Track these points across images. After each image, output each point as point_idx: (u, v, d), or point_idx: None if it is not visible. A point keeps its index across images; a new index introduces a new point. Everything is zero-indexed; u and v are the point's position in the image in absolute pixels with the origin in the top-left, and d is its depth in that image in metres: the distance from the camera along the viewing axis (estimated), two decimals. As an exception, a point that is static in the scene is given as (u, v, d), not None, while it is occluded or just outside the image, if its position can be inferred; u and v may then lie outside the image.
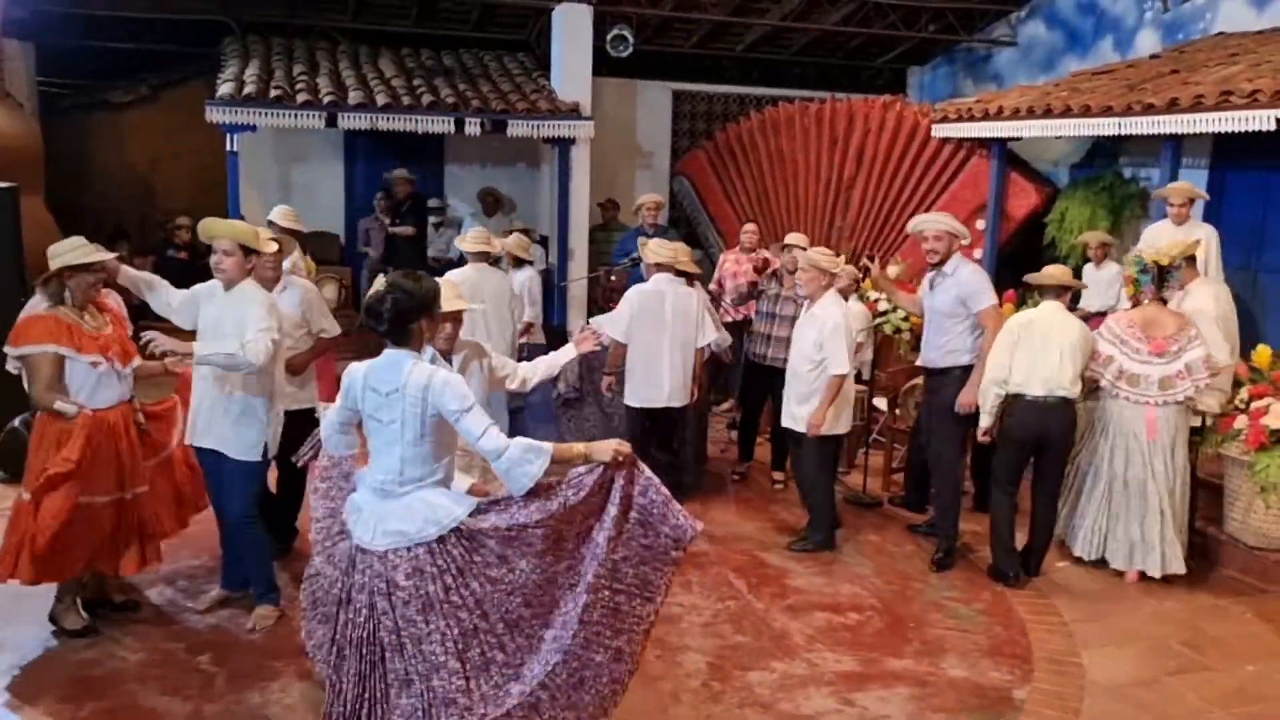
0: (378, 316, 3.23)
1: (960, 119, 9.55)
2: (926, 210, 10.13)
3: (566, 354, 4.77)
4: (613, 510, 3.33)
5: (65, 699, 4.12)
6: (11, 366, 4.46)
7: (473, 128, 9.75)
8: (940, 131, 9.86)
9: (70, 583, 4.60)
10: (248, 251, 4.59)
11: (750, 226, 8.83)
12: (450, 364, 4.19)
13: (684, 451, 6.91)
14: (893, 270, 8.85)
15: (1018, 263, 10.03)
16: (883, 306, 8.42)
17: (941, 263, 5.86)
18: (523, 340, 7.38)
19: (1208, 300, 6.11)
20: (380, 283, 3.34)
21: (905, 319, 8.24)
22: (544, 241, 10.97)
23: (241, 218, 9.46)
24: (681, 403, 6.50)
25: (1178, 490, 5.63)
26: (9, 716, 3.99)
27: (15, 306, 7.41)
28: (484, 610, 3.22)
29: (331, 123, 9.42)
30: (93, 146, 11.54)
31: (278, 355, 4.72)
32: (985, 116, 9.19)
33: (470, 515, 3.22)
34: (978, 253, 9.69)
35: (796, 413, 5.95)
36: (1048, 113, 8.44)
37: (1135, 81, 8.26)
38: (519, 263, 7.64)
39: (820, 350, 5.76)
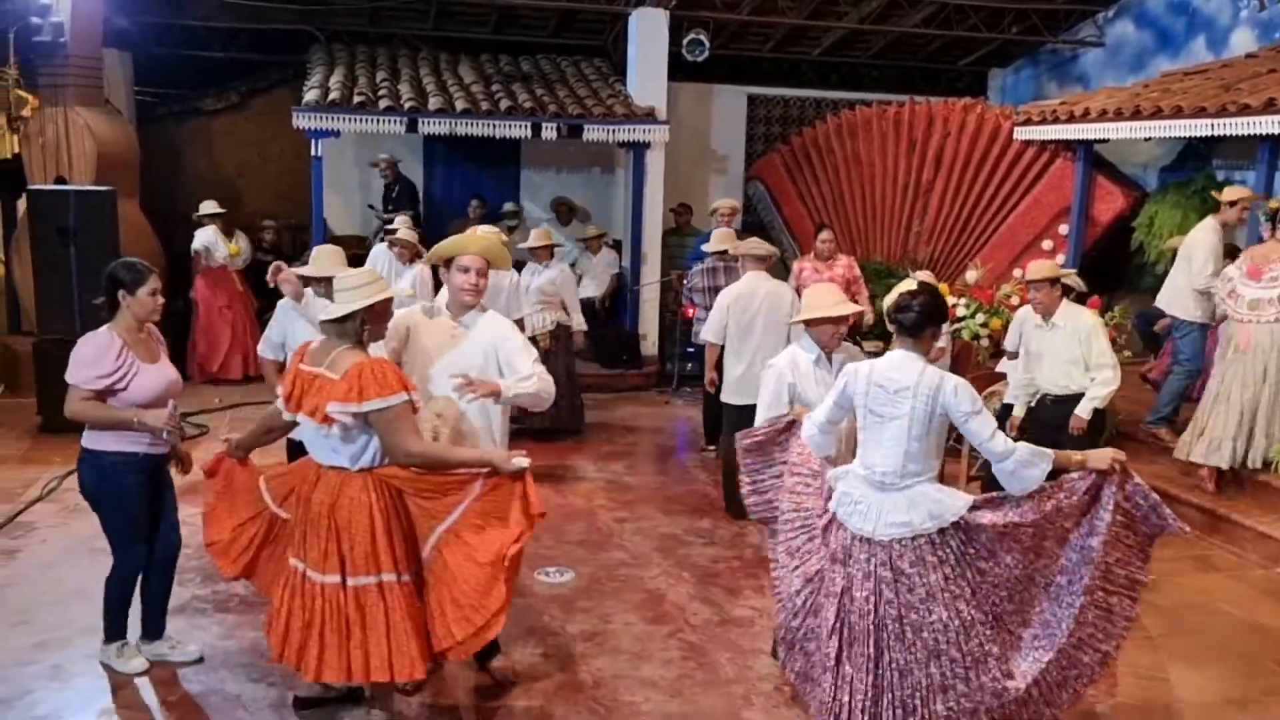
0: (906, 312, 3.48)
1: (1044, 121, 9.36)
2: (1008, 214, 9.97)
3: None
4: (1105, 516, 3.47)
5: (155, 683, 4.25)
6: (339, 425, 3.53)
7: (549, 132, 9.85)
8: (1023, 134, 9.67)
9: None
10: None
11: (825, 234, 8.74)
12: (831, 363, 4.43)
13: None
14: (971, 275, 8.72)
15: (1104, 269, 9.82)
16: (960, 312, 8.28)
17: None
18: None
19: None
20: (911, 283, 3.57)
21: (984, 324, 8.09)
22: (618, 245, 11.02)
23: (324, 221, 9.75)
24: None
25: (1263, 400, 6.26)
26: (104, 699, 4.13)
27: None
28: (978, 601, 3.43)
29: (412, 128, 9.60)
30: (184, 152, 11.92)
31: None
32: (1070, 119, 8.99)
33: (968, 510, 3.42)
34: (1060, 258, 9.48)
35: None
36: (1136, 114, 8.23)
37: (1230, 81, 8.01)
38: (414, 257, 7.67)
39: None
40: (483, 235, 4.20)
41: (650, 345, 10.58)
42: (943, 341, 7.90)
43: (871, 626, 3.45)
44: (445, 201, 11.44)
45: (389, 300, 3.73)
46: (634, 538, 6.10)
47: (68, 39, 8.67)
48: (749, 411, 6.49)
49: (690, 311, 9.17)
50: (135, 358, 4.02)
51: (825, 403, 3.71)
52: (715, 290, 8.03)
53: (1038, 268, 5.79)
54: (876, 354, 8.51)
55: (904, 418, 3.41)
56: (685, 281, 8.66)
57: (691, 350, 9.58)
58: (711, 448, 8.05)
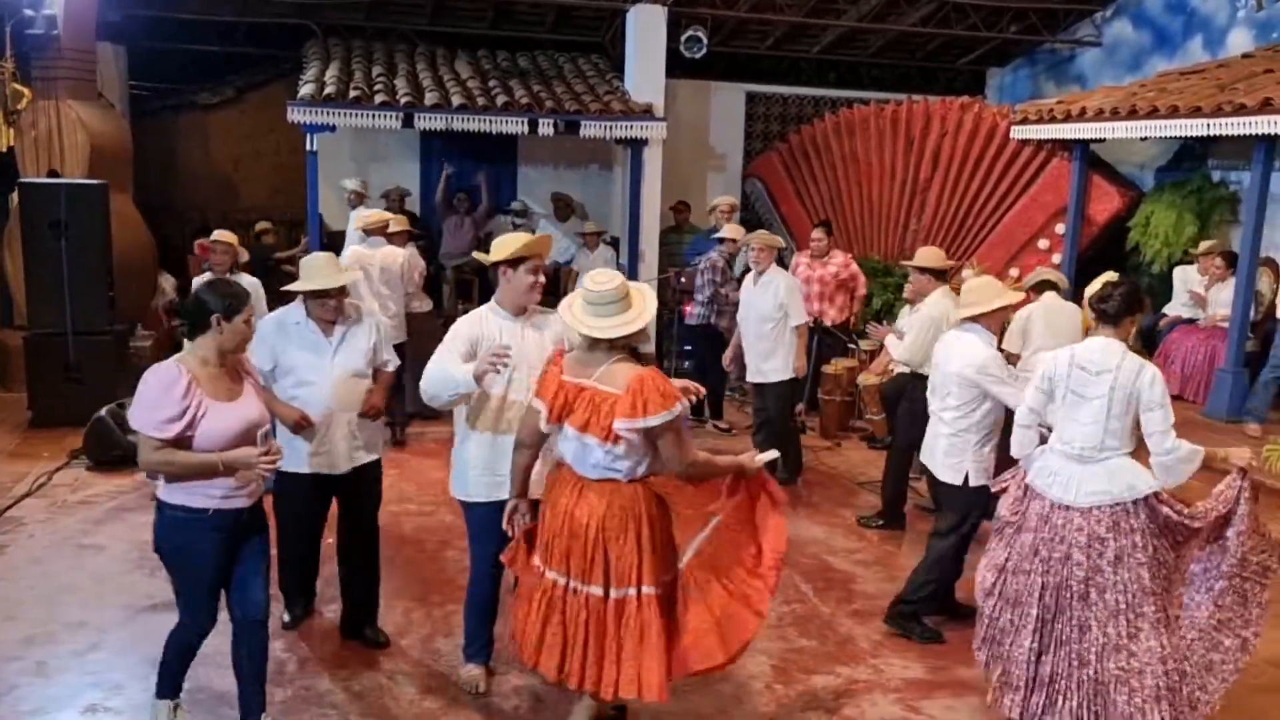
0: (1108, 301, 3.88)
1: (1041, 120, 9.34)
2: (1005, 213, 9.97)
3: None
4: (1241, 509, 3.77)
5: (140, 679, 4.21)
6: (625, 442, 3.41)
7: (546, 128, 9.80)
8: (1020, 133, 9.65)
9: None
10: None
11: (817, 233, 8.68)
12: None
13: None
14: (968, 274, 8.70)
15: (1099, 269, 9.81)
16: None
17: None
18: None
19: None
20: (1110, 276, 4.02)
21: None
22: (615, 243, 10.98)
23: (320, 216, 9.71)
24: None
25: None
26: (89, 695, 4.10)
27: (103, 296, 7.76)
28: (1152, 572, 3.76)
29: (408, 123, 9.55)
30: (179, 146, 11.88)
31: None
32: (1067, 118, 8.97)
33: (1154, 496, 3.76)
34: (1056, 257, 9.47)
35: (764, 367, 6.78)
36: (1133, 114, 8.21)
37: (1226, 81, 7.99)
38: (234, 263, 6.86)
39: (780, 309, 6.70)
40: (541, 235, 4.11)
41: (648, 343, 10.55)
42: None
43: (1055, 585, 3.85)
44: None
45: None
46: (626, 535, 6.06)
47: (60, 32, 8.62)
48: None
49: (688, 308, 9.13)
50: (205, 396, 3.41)
51: (1028, 393, 4.07)
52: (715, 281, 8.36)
53: (918, 255, 6.34)
54: (874, 352, 8.53)
55: (1103, 398, 3.78)
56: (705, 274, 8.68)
57: (689, 348, 9.56)
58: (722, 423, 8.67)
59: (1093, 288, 3.96)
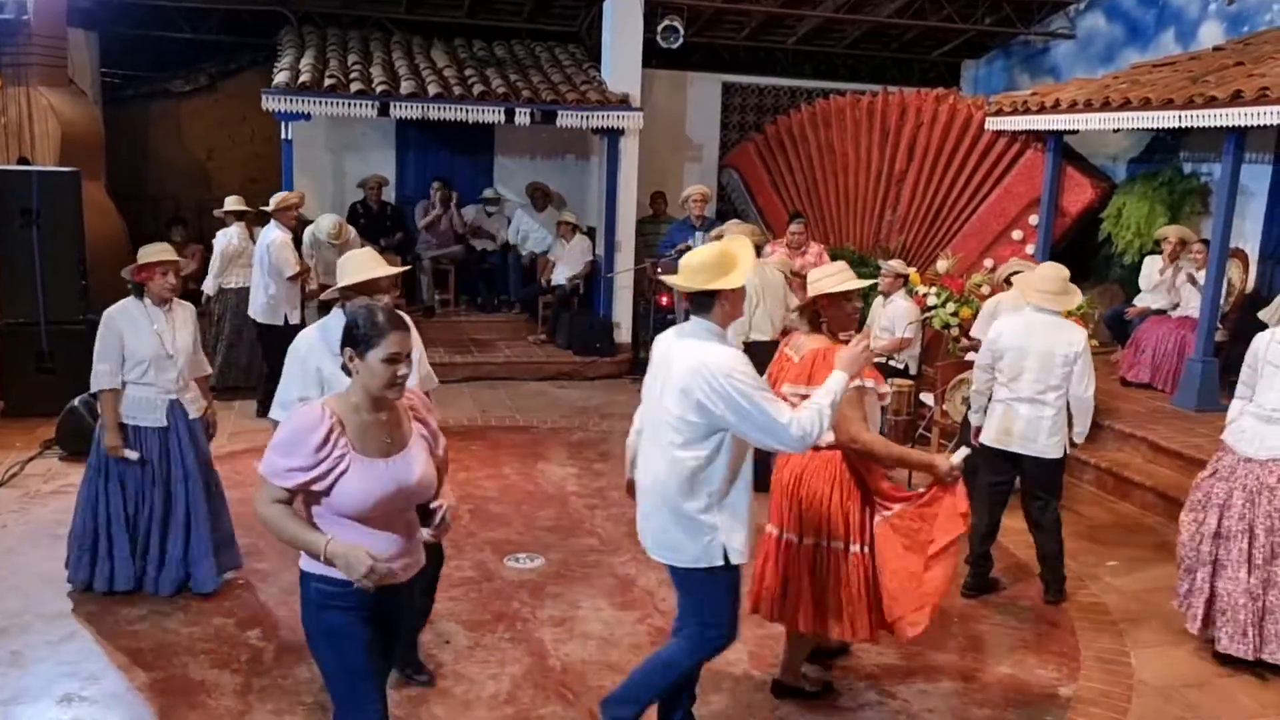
0: None
1: (1015, 112, 9.41)
2: (979, 204, 10.06)
3: None
4: None
5: (117, 669, 4.22)
6: (790, 404, 3.54)
7: (522, 118, 9.79)
8: (994, 125, 9.72)
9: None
10: None
11: (796, 226, 8.71)
12: None
13: None
14: (942, 265, 8.78)
15: (1072, 259, 9.90)
16: (931, 301, 8.32)
17: None
18: None
19: None
20: None
21: (955, 314, 8.14)
22: (591, 233, 10.99)
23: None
24: None
25: None
26: (65, 685, 4.08)
27: (76, 285, 7.69)
28: None
29: (384, 112, 9.50)
30: (152, 134, 11.78)
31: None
32: (1041, 109, 9.04)
33: None
34: (1030, 248, 9.55)
35: None
36: (1106, 105, 8.28)
37: (1198, 74, 8.07)
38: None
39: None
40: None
41: (624, 333, 10.58)
42: (910, 331, 7.96)
43: (1245, 528, 4.48)
44: (417, 188, 11.35)
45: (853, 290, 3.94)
46: (605, 524, 6.09)
47: (31, 17, 8.52)
48: None
49: (665, 300, 9.16)
50: (351, 448, 2.77)
51: (1243, 370, 4.66)
52: None
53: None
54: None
55: None
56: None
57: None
58: None
59: None
